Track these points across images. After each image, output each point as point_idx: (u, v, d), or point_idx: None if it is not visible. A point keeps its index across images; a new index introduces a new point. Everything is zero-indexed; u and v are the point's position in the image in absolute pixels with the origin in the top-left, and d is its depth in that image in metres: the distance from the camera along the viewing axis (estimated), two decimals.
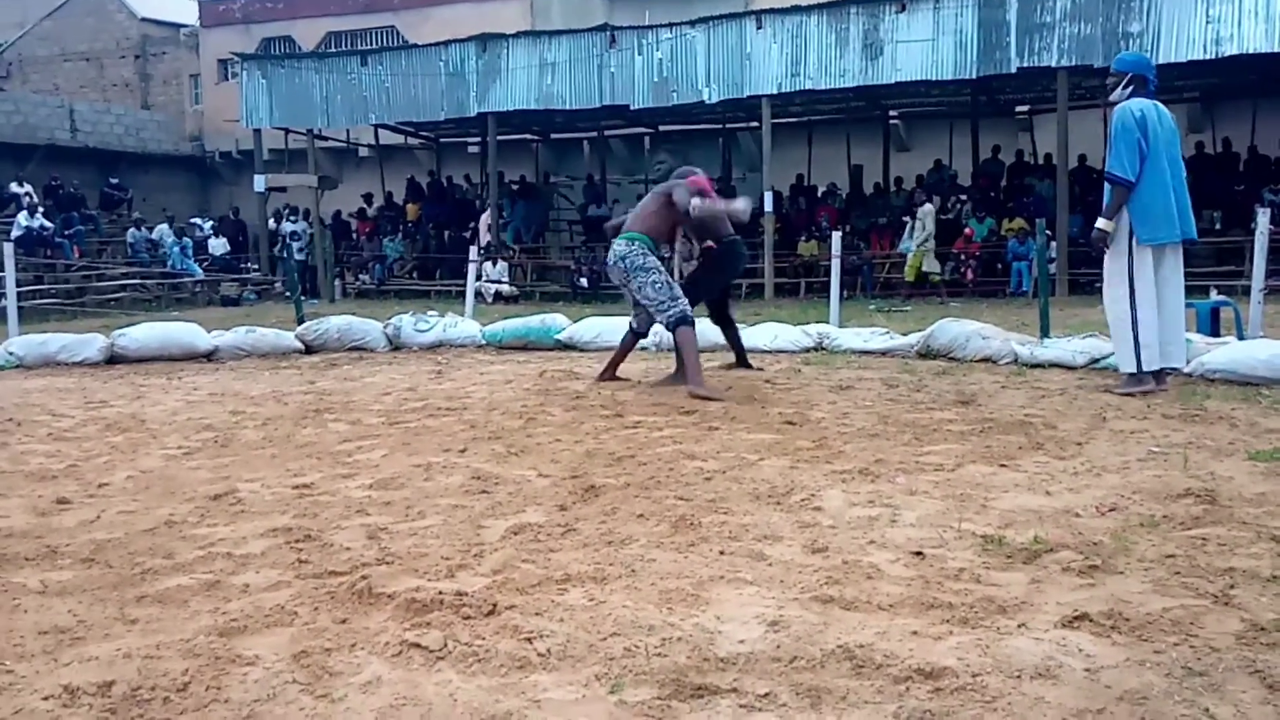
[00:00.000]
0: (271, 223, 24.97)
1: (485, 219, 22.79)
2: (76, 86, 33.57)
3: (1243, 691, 2.30)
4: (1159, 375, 6.58)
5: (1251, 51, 16.26)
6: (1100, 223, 6.58)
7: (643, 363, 8.97)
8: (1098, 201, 7.60)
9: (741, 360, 8.30)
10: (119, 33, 34.01)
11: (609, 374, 7.66)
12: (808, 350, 9.44)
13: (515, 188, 25.33)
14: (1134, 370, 6.55)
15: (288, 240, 23.79)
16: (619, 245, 7.20)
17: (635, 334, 7.68)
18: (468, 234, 23.46)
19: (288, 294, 21.97)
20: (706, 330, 8.00)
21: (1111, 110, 6.80)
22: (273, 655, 2.63)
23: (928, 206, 19.02)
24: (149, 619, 2.93)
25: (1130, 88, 6.65)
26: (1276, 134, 19.69)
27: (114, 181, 28.44)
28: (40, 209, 22.92)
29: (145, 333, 10.38)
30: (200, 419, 6.53)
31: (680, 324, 6.98)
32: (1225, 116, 21.62)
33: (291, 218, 24.48)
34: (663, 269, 7.14)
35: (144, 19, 34.19)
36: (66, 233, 23.21)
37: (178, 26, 34.25)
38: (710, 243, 7.87)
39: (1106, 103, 7.09)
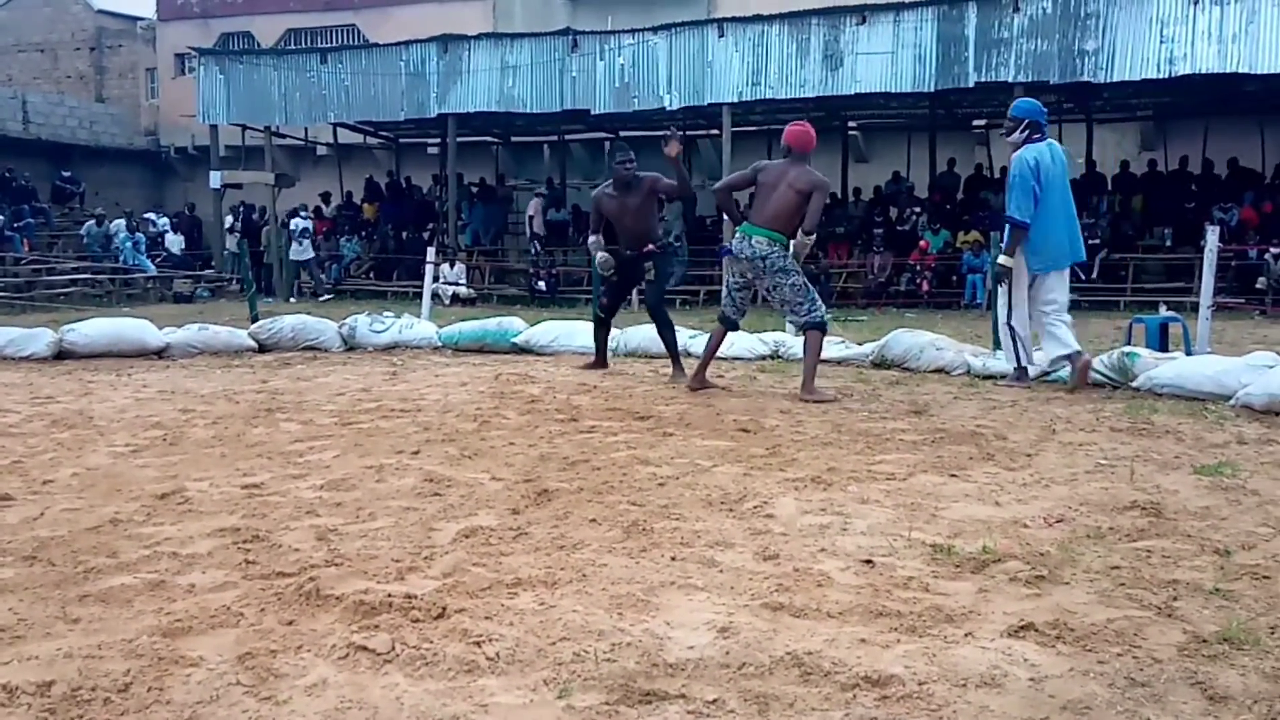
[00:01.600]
0: (259, 219, 24.33)
1: (533, 205, 23.33)
2: (30, 77, 33.03)
3: (1184, 703, 2.33)
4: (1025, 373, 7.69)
5: (1204, 72, 16.52)
6: (1002, 259, 7.56)
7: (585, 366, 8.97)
8: None
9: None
10: (74, 24, 33.51)
11: (701, 375, 7.49)
12: (763, 358, 9.48)
13: (475, 190, 25.23)
14: (1017, 367, 7.68)
15: (296, 237, 22.78)
16: (760, 242, 7.09)
17: (727, 327, 7.61)
18: (427, 234, 23.35)
19: (319, 295, 21.36)
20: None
21: (1011, 146, 7.72)
22: (217, 656, 2.60)
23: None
24: (91, 618, 2.89)
25: (1027, 131, 7.50)
26: (1227, 153, 20.00)
27: (66, 174, 28.01)
28: None
29: (95, 328, 10.24)
30: (149, 416, 6.45)
31: (815, 327, 7.13)
32: (1178, 135, 21.94)
33: (303, 213, 23.47)
34: (801, 271, 7.19)
35: (100, 11, 33.71)
36: (16, 225, 22.82)
37: (134, 19, 33.82)
38: (652, 245, 8.13)
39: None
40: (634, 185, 8.10)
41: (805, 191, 7.09)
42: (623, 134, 24.98)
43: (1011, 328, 7.62)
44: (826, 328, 7.25)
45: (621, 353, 9.82)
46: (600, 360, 8.79)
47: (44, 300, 19.83)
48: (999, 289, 7.61)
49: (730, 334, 7.83)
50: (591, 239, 8.46)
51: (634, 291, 9.44)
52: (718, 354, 7.81)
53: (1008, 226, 7.50)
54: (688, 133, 24.38)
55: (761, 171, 7.34)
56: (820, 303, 7.22)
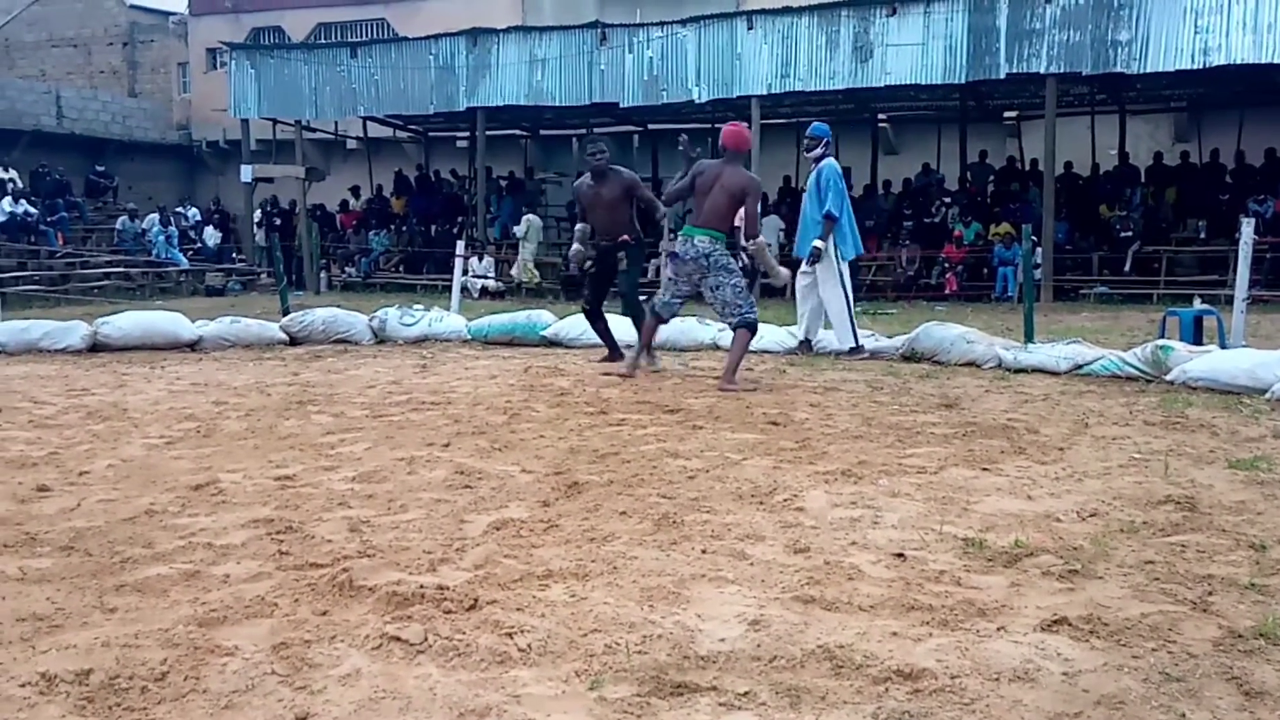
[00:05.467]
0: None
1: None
2: (63, 73, 33.30)
3: (1219, 698, 2.31)
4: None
5: (1239, 62, 16.31)
6: (818, 243, 8.95)
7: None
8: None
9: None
10: (107, 19, 33.75)
11: (635, 362, 7.97)
12: (793, 351, 9.46)
13: (504, 183, 25.27)
14: (854, 345, 8.98)
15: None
16: (702, 242, 7.43)
17: (659, 319, 7.98)
18: (455, 228, 23.37)
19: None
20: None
21: (813, 159, 9.23)
22: (252, 646, 2.62)
23: (530, 218, 20.80)
24: (128, 608, 2.92)
25: (825, 149, 9.15)
26: (1262, 144, 19.75)
27: (100, 169, 28.26)
28: (24, 195, 22.75)
29: (128, 321, 10.33)
30: (183, 408, 6.50)
31: (746, 326, 7.42)
32: (1212, 126, 21.70)
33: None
34: (741, 273, 7.62)
35: (132, 6, 33.93)
36: (50, 219, 23.04)
37: (166, 14, 34.04)
38: (626, 236, 8.52)
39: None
40: (608, 176, 8.42)
41: (736, 194, 7.40)
42: (651, 126, 24.99)
43: (849, 308, 8.98)
44: (756, 327, 7.57)
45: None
46: (613, 352, 8.87)
47: (78, 293, 20.01)
48: (840, 283, 8.99)
49: (760, 327, 7.92)
50: (579, 226, 8.83)
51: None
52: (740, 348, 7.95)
53: (820, 220, 8.93)
54: (716, 126, 24.35)
55: (699, 175, 7.63)
56: (754, 303, 7.64)
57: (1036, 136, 20.09)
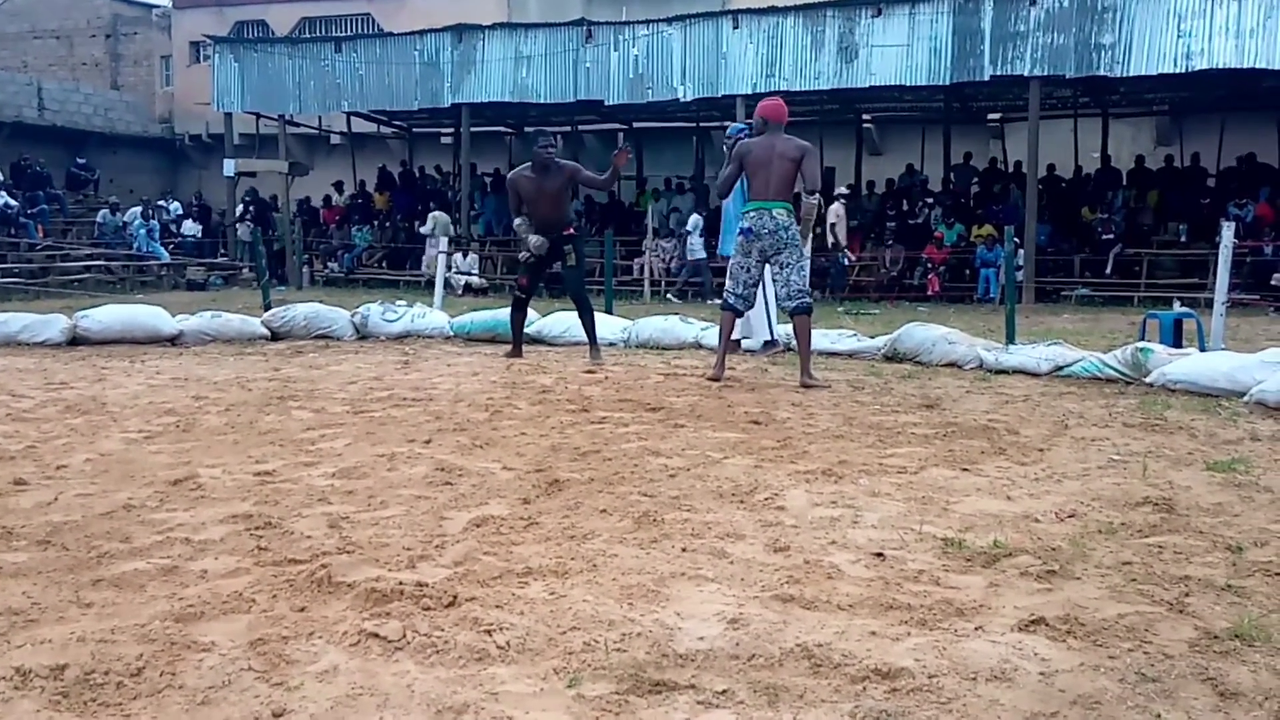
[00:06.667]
0: (693, 220, 19.79)
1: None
2: (45, 64, 33.10)
3: (1195, 698, 2.33)
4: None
5: (1221, 67, 16.41)
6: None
7: (534, 357, 8.97)
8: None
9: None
10: (90, 11, 33.56)
11: (721, 366, 7.53)
12: (774, 350, 9.47)
13: (488, 180, 25.23)
14: (771, 338, 9.13)
15: (692, 235, 19.63)
16: (780, 214, 7.29)
17: (736, 312, 7.71)
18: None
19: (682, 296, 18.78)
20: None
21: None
22: (229, 642, 2.61)
23: (436, 214, 20.63)
24: (104, 603, 2.91)
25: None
26: (1244, 148, 19.88)
27: (81, 161, 28.08)
28: (4, 187, 22.60)
29: (108, 315, 10.27)
30: (162, 403, 6.47)
31: (806, 312, 7.35)
32: (1193, 130, 21.82)
33: (703, 210, 19.93)
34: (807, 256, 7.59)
35: None
36: (31, 212, 22.88)
37: (150, 7, 33.90)
38: (571, 229, 8.62)
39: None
40: (552, 169, 8.48)
41: (796, 158, 7.32)
42: (636, 125, 25.00)
43: (766, 301, 8.71)
44: (812, 310, 7.52)
45: (633, 344, 9.83)
46: (517, 349, 8.98)
47: (58, 287, 19.87)
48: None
49: (742, 325, 7.91)
50: (518, 221, 8.72)
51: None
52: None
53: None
54: (701, 124, 24.41)
55: (748, 154, 7.49)
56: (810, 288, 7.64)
57: (1020, 139, 20.17)
